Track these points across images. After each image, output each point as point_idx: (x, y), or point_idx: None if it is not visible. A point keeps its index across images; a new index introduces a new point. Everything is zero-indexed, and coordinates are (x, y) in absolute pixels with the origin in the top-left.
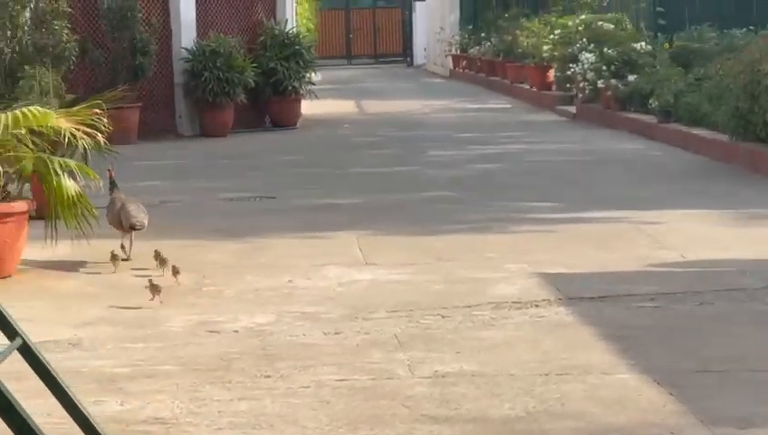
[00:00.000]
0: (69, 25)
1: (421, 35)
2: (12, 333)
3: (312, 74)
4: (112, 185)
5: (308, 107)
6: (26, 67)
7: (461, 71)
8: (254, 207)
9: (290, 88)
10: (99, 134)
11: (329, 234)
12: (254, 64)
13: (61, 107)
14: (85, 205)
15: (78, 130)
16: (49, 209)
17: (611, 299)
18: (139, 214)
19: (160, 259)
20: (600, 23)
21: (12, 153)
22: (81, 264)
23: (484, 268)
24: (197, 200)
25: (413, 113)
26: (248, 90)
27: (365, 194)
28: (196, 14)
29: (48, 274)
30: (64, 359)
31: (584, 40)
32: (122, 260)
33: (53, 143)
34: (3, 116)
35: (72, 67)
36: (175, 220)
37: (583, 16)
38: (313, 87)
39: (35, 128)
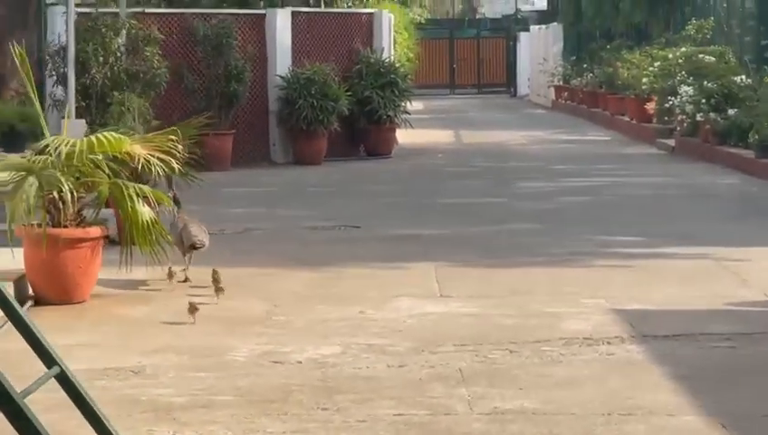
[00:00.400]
0: (160, 52)
1: (525, 66)
2: (50, 360)
3: (408, 103)
4: (176, 205)
5: (405, 136)
6: (115, 93)
7: (563, 102)
8: (335, 236)
9: (384, 117)
10: (173, 160)
11: (407, 264)
12: (349, 93)
13: (147, 133)
14: (159, 231)
15: (153, 156)
16: (124, 235)
17: (686, 338)
18: (200, 234)
19: (215, 282)
20: (702, 55)
21: (89, 179)
22: (155, 290)
23: (560, 303)
24: (281, 228)
25: (509, 144)
26: (343, 118)
27: (449, 225)
28: (292, 42)
29: (122, 299)
30: (125, 386)
31: (683, 73)
32: (180, 281)
33: (135, 170)
34: (78, 142)
35: (162, 93)
36: (255, 247)
37: (684, 49)
38: (412, 116)
39: (112, 154)
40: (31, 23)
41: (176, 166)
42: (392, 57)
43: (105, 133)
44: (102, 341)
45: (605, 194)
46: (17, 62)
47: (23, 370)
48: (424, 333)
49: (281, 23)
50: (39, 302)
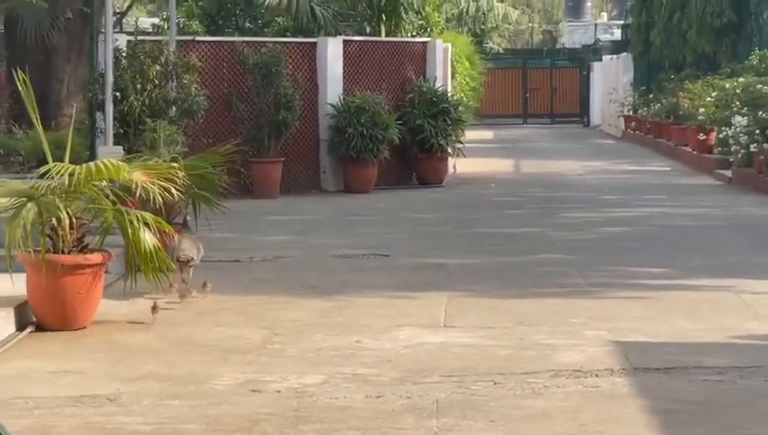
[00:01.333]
0: (199, 79)
1: (598, 96)
2: None
3: (461, 132)
4: (186, 228)
5: (465, 164)
6: (148, 120)
7: (632, 132)
8: (360, 265)
9: (436, 146)
10: (172, 187)
11: (421, 294)
12: (400, 121)
13: (173, 160)
14: (163, 258)
15: (153, 183)
16: (128, 262)
17: (678, 371)
18: (187, 248)
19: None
20: (759, 86)
21: (93, 205)
22: (157, 318)
23: (562, 334)
24: (310, 256)
25: (567, 174)
26: (395, 147)
27: (478, 254)
28: (344, 71)
29: (122, 326)
30: (95, 414)
31: (737, 103)
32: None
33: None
34: (77, 168)
35: (200, 120)
36: (276, 275)
37: (742, 79)
38: (478, 145)
39: (116, 180)
40: (85, 51)
41: (175, 192)
42: (449, 86)
43: (105, 160)
44: (90, 368)
45: (645, 225)
46: (21, 89)
47: None
48: (414, 364)
49: (332, 51)
50: (40, 328)
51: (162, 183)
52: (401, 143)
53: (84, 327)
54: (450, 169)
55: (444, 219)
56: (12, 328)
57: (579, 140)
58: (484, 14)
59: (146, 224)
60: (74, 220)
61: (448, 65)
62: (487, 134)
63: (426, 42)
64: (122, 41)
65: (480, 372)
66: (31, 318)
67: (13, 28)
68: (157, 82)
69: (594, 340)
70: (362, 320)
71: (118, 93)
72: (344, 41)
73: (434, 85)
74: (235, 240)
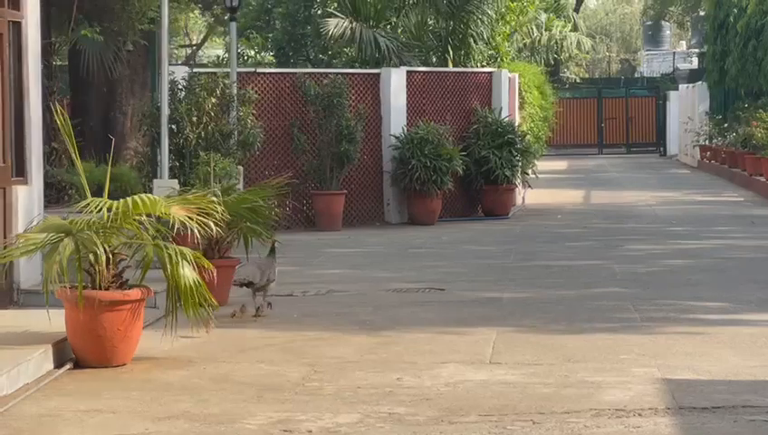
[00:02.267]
0: (258, 111)
1: (675, 125)
2: None
3: (527, 162)
4: (272, 253)
5: (534, 195)
6: (202, 153)
7: (707, 162)
8: (413, 299)
9: (501, 177)
10: (211, 221)
11: (470, 329)
12: (464, 153)
13: (223, 193)
14: (204, 294)
15: (191, 217)
16: (168, 297)
17: (724, 410)
18: (245, 272)
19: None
20: None
21: (133, 240)
22: (198, 355)
23: (609, 371)
24: (365, 290)
25: (636, 205)
26: (460, 178)
27: (534, 288)
28: (407, 102)
29: (162, 363)
30: None
31: None
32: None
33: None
34: (115, 203)
35: (256, 153)
36: (327, 310)
37: None
38: (550, 176)
39: (156, 215)
40: (148, 83)
41: (213, 226)
42: (516, 117)
43: (142, 195)
44: (122, 406)
45: (709, 257)
46: (59, 122)
47: None
48: (453, 402)
49: (396, 82)
50: (79, 365)
51: (201, 217)
52: (466, 175)
53: (124, 364)
54: (518, 201)
55: (505, 252)
56: (50, 365)
57: (653, 170)
58: (557, 43)
59: (186, 259)
60: (112, 256)
61: (515, 95)
62: (561, 165)
63: (491, 72)
64: (179, 73)
65: (519, 410)
66: (70, 355)
67: (77, 61)
68: (213, 114)
69: (642, 377)
70: (407, 356)
71: (174, 126)
72: (408, 71)
73: (499, 116)
74: (292, 273)
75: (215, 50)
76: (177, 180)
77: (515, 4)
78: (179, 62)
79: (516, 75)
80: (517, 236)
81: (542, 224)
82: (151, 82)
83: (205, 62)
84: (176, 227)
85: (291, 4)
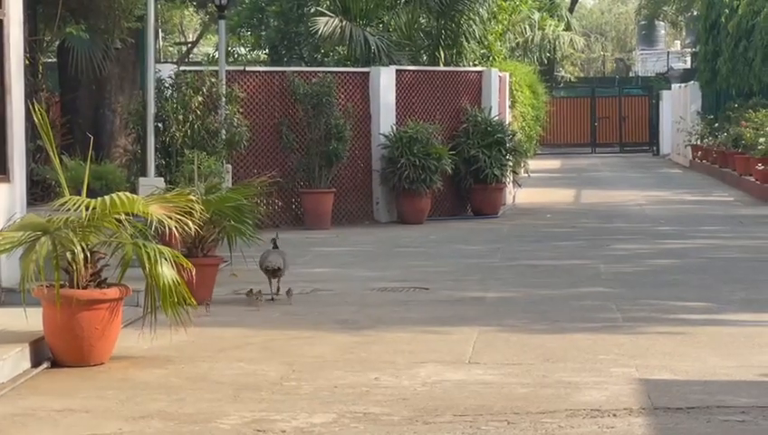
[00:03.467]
0: (247, 109)
1: (667, 124)
2: None
3: (513, 161)
4: (274, 245)
5: (525, 195)
6: (186, 151)
7: (699, 161)
8: (397, 299)
9: (491, 176)
10: (189, 221)
11: (451, 329)
12: (454, 151)
13: (207, 192)
14: (183, 293)
15: (170, 216)
16: (147, 296)
17: (698, 411)
18: (275, 260)
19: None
20: None
21: (111, 239)
22: (177, 354)
23: (587, 371)
24: (349, 289)
25: (626, 204)
26: (449, 177)
27: (519, 288)
28: (397, 101)
29: (140, 362)
30: None
31: None
32: (268, 299)
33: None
34: (93, 202)
35: (243, 152)
36: (309, 310)
37: None
38: (543, 175)
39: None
40: (138, 81)
41: (192, 226)
42: (507, 116)
43: (120, 193)
44: (96, 406)
45: (695, 257)
46: (36, 120)
47: None
48: (429, 402)
49: (385, 81)
50: (57, 364)
51: (179, 216)
52: (456, 174)
53: (102, 363)
54: (508, 200)
55: (491, 251)
56: (27, 364)
57: (645, 169)
58: (550, 42)
59: (164, 258)
60: (90, 254)
61: (506, 94)
62: (554, 164)
63: (481, 71)
64: (166, 71)
65: (495, 411)
66: (47, 354)
67: (66, 59)
68: (199, 112)
69: (619, 377)
70: (386, 356)
71: (160, 124)
72: (397, 70)
73: (489, 115)
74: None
75: (210, 48)
76: (162, 179)
77: (507, 3)
78: (174, 60)
79: (507, 74)
80: (505, 236)
81: (530, 223)
82: (141, 80)
83: (199, 59)
84: (153, 225)
85: (284, 2)
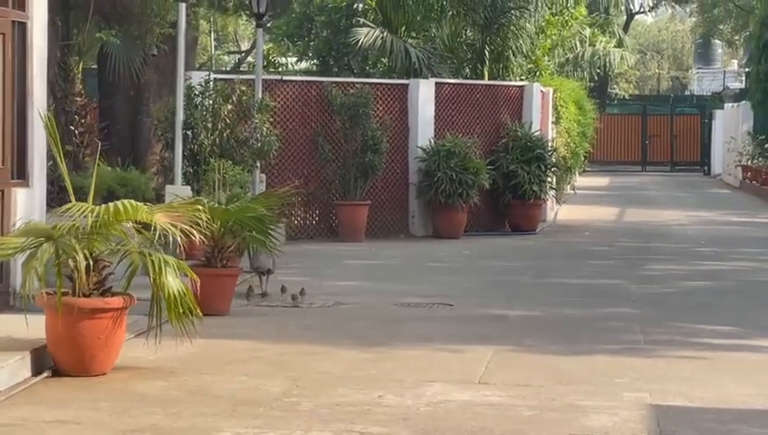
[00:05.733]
0: (274, 120)
1: (719, 144)
2: None
3: (557, 179)
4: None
5: (567, 211)
6: (211, 160)
7: (749, 182)
8: (419, 314)
9: (529, 192)
10: (193, 231)
11: (467, 347)
12: (492, 166)
13: (228, 201)
14: (189, 303)
15: (175, 225)
16: (152, 306)
17: None
18: (265, 261)
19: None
20: None
21: (119, 247)
22: (182, 366)
23: (599, 395)
24: (372, 304)
25: (669, 224)
26: (488, 192)
27: (544, 307)
28: (436, 114)
29: (142, 373)
30: None
31: None
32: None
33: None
34: (98, 209)
35: (271, 161)
36: (326, 324)
37: None
38: (590, 192)
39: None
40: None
41: (197, 235)
42: (549, 131)
43: (125, 201)
44: (89, 418)
45: (731, 279)
46: (45, 127)
47: None
48: (430, 423)
49: (424, 93)
50: (58, 373)
51: (184, 225)
52: (494, 188)
53: (104, 373)
54: (549, 216)
55: (523, 268)
56: (27, 373)
57: (694, 188)
58: (600, 58)
59: (169, 267)
60: (95, 262)
61: (549, 110)
62: (602, 181)
63: (522, 85)
64: (196, 79)
65: (496, 434)
66: (49, 363)
67: (105, 64)
68: (228, 121)
69: (631, 402)
70: (395, 374)
71: (189, 132)
72: (437, 83)
73: (529, 130)
74: (304, 284)
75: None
76: (189, 187)
77: (556, 18)
78: (227, 69)
79: (550, 90)
80: (540, 253)
81: (568, 241)
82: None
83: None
84: (158, 233)
85: (332, 12)
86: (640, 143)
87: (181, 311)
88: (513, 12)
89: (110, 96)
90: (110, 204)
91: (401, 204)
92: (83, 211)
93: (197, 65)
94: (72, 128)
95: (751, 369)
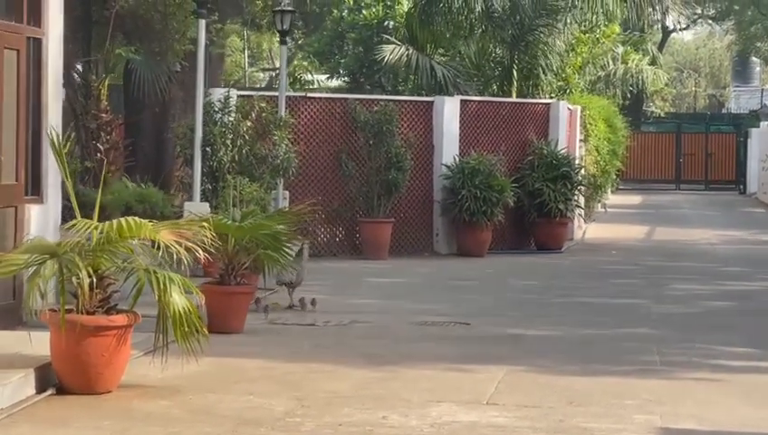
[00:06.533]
0: (294, 137)
1: (755, 163)
2: None
3: (578, 196)
4: (299, 254)
5: (596, 230)
6: (228, 176)
7: None
8: (434, 333)
9: (555, 210)
10: (198, 248)
11: (479, 367)
12: (517, 184)
13: (243, 218)
14: (194, 322)
15: (179, 243)
16: (158, 324)
17: None
18: (287, 273)
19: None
20: None
21: (126, 264)
22: (188, 384)
23: (608, 417)
24: (388, 322)
25: (697, 243)
26: (513, 210)
27: (562, 326)
28: (461, 131)
29: (148, 392)
30: None
31: None
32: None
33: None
34: (101, 225)
35: (290, 178)
36: (339, 342)
37: None
38: (622, 211)
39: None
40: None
41: (201, 254)
42: (577, 149)
43: (129, 218)
44: None
45: (756, 300)
46: (51, 146)
47: None
48: None
49: (449, 111)
50: (63, 390)
51: (189, 243)
52: (519, 207)
53: (109, 391)
54: (577, 235)
55: (546, 287)
56: (31, 390)
57: (728, 207)
58: (632, 76)
59: (174, 284)
60: (95, 279)
61: (576, 127)
62: (635, 199)
63: (549, 103)
64: (216, 95)
65: None
66: (54, 380)
67: (130, 80)
68: (247, 137)
69: (640, 425)
70: (403, 394)
71: (208, 149)
72: (462, 100)
73: (555, 148)
74: (323, 302)
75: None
76: (207, 204)
77: (587, 35)
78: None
79: (578, 108)
80: (564, 272)
81: (593, 259)
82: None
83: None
84: (161, 251)
85: (363, 30)
86: (674, 161)
87: (186, 329)
88: (540, 29)
89: (136, 113)
90: (114, 221)
91: (426, 222)
92: (88, 228)
93: (231, 82)
94: (96, 143)
95: (764, 392)
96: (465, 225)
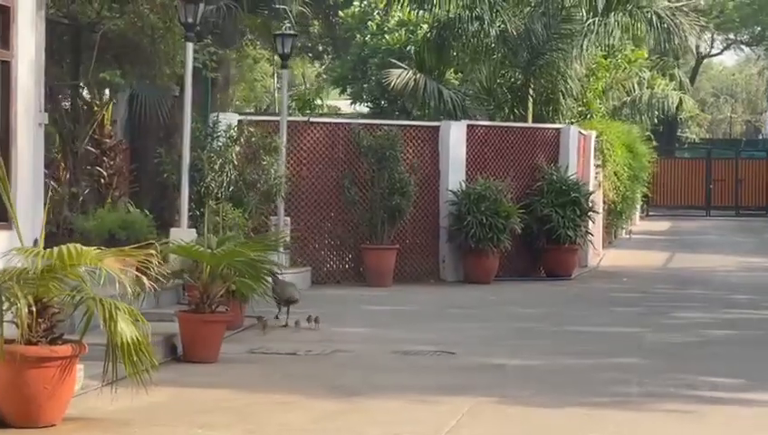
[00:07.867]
0: (292, 160)
1: None
2: None
3: (591, 223)
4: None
5: (614, 256)
6: (211, 202)
7: None
8: (414, 363)
9: (564, 236)
10: (144, 277)
11: (446, 399)
12: (524, 210)
13: (218, 244)
14: (144, 352)
15: (125, 271)
16: (107, 354)
17: None
18: (289, 291)
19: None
20: None
21: (72, 293)
22: (137, 417)
23: None
24: (370, 352)
25: (715, 271)
26: (522, 236)
27: (548, 356)
28: (467, 156)
29: (94, 425)
30: None
31: None
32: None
33: None
34: (47, 252)
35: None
36: (314, 371)
37: None
38: (647, 236)
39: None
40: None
41: (146, 282)
42: (590, 175)
43: (71, 245)
44: None
45: (757, 329)
46: None
47: None
48: None
49: (455, 136)
50: (3, 424)
51: (136, 271)
52: (528, 233)
53: (53, 425)
54: (593, 261)
55: (544, 315)
56: None
57: (755, 234)
58: (659, 101)
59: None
60: (37, 309)
61: (590, 153)
62: (662, 225)
63: (559, 128)
64: (223, 122)
65: None
66: None
67: (132, 105)
68: (236, 163)
69: None
70: (358, 427)
71: (195, 174)
72: (469, 125)
73: (565, 173)
74: (312, 331)
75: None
76: (195, 230)
77: (608, 60)
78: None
79: (593, 133)
80: (567, 299)
81: (601, 287)
82: (204, 128)
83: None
84: (102, 279)
85: (386, 54)
86: (704, 187)
87: (136, 359)
88: (553, 53)
89: (140, 138)
90: (55, 248)
91: (432, 248)
92: (30, 254)
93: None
94: (99, 169)
95: (742, 425)
96: (471, 251)
